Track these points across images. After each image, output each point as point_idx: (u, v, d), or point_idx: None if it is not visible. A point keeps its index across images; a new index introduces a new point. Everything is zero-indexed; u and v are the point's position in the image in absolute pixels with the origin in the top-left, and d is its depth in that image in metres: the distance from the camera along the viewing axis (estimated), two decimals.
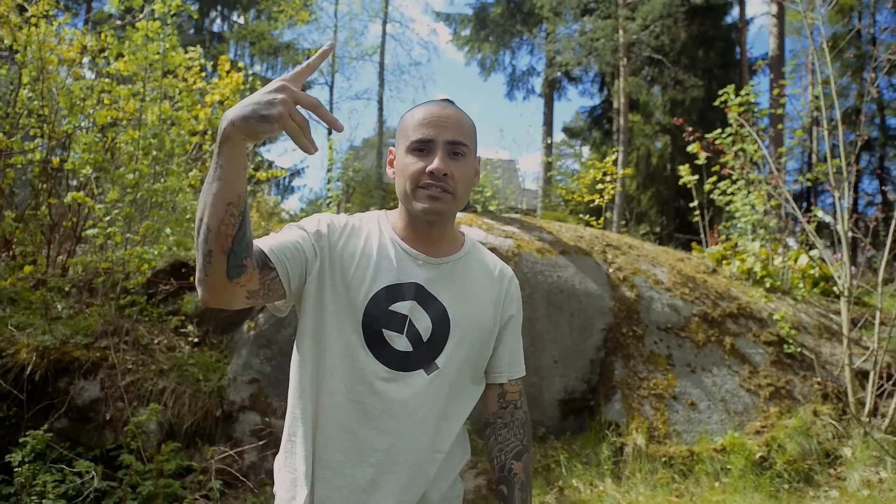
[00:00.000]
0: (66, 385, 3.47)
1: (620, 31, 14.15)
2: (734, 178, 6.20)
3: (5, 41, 5.50)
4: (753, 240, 6.15)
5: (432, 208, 1.17)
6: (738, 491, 3.70)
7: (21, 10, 5.53)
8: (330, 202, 7.98)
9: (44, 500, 2.88)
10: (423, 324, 1.18)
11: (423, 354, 1.18)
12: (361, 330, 1.16)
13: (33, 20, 4.93)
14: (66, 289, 4.14)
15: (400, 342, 1.17)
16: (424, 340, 1.18)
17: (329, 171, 8.98)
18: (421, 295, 1.20)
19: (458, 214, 5.22)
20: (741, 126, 5.90)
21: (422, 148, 1.18)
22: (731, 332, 4.77)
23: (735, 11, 16.60)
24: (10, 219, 4.13)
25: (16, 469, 2.89)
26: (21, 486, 2.89)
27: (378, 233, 1.25)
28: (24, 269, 3.50)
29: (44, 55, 4.90)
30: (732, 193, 6.32)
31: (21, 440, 2.94)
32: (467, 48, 19.07)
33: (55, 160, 4.20)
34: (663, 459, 3.93)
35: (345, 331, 1.16)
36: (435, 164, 1.16)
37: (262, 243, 1.11)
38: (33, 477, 2.91)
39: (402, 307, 1.18)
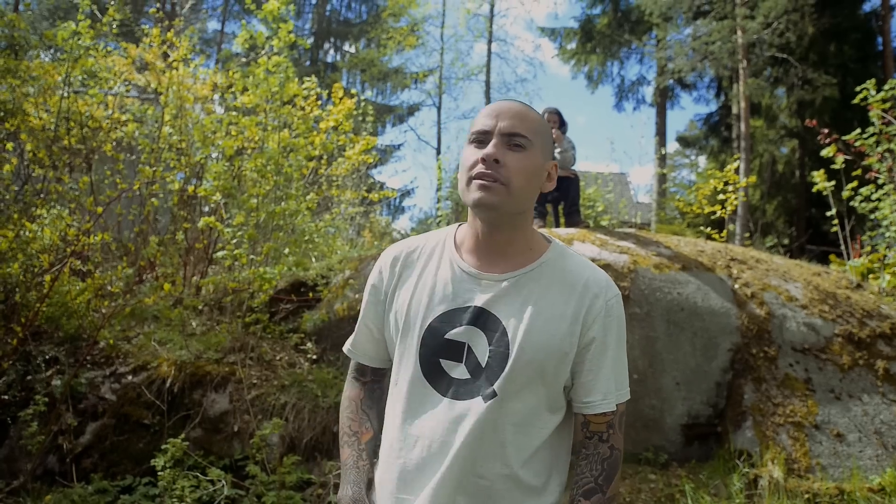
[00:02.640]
0: (200, 397, 3.73)
1: (739, 32, 13.31)
2: (880, 182, 5.56)
3: (152, 85, 6.14)
4: None
5: (482, 199, 1.11)
6: None
7: (164, 56, 6.17)
8: (440, 221, 8.10)
9: None
10: (482, 349, 1.13)
11: (482, 380, 1.12)
12: (418, 361, 1.14)
13: (174, 64, 5.46)
14: (200, 307, 4.48)
15: (457, 370, 1.13)
16: (483, 366, 1.12)
17: (438, 190, 9.16)
18: (480, 318, 1.14)
19: (570, 230, 5.09)
20: (887, 124, 5.30)
21: (480, 139, 1.15)
22: (884, 354, 4.24)
23: None
24: (154, 243, 4.56)
25: (160, 473, 3.13)
26: (164, 489, 3.13)
27: (439, 254, 1.22)
28: (164, 287, 3.84)
29: (182, 94, 5.41)
30: (878, 199, 5.67)
31: (163, 447, 3.19)
32: (573, 61, 18.79)
33: (190, 189, 4.58)
34: (806, 496, 3.54)
35: (406, 367, 1.16)
36: (486, 149, 1.12)
37: (360, 358, 1.31)
38: (173, 481, 3.14)
39: (458, 334, 1.14)
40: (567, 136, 5.73)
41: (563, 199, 5.74)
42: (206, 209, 6.18)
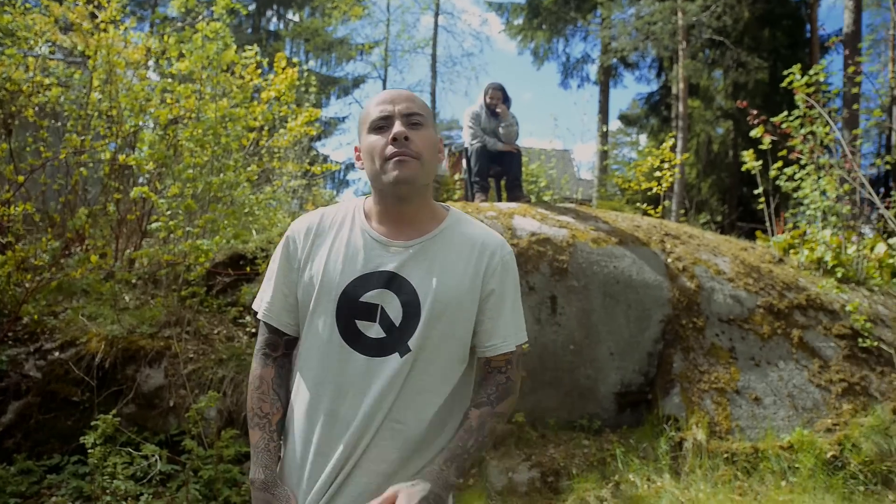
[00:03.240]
0: (133, 372, 3.63)
1: (679, 14, 13.63)
2: (803, 162, 5.86)
3: (78, 47, 5.78)
4: (824, 227, 5.82)
5: (401, 175, 1.20)
6: (808, 491, 3.52)
7: (92, 16, 5.81)
8: None
9: (115, 481, 3.03)
10: (395, 309, 1.21)
11: (397, 338, 1.21)
12: (336, 323, 1.22)
13: (102, 25, 5.16)
14: (133, 281, 4.33)
15: (372, 330, 1.21)
16: (397, 325, 1.21)
17: None
18: (392, 281, 1.22)
19: (511, 205, 5.16)
20: (810, 107, 5.57)
21: (381, 125, 1.24)
22: (800, 324, 4.53)
23: None
24: (83, 214, 4.35)
25: (90, 450, 3.04)
26: (94, 466, 3.05)
27: (350, 224, 1.30)
28: (92, 260, 3.68)
29: (112, 59, 5.13)
30: (801, 179, 5.98)
31: (93, 423, 3.10)
32: (520, 37, 18.80)
33: (122, 158, 4.39)
34: (725, 456, 3.78)
35: (323, 329, 1.23)
36: (395, 128, 1.21)
37: (279, 325, 1.32)
38: (105, 458, 3.06)
39: (372, 297, 1.22)
40: (511, 111, 5.78)
41: (506, 173, 5.81)
42: (141, 180, 5.93)
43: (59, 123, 5.39)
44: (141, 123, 4.92)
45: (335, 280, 1.23)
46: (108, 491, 3.04)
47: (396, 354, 1.20)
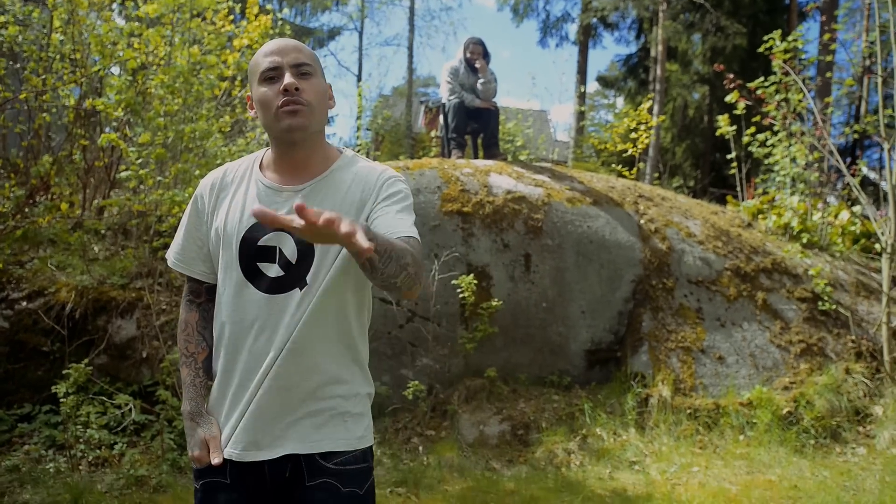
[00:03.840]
0: (105, 323, 3.59)
1: None
2: (775, 129, 5.94)
3: None
4: (792, 194, 5.95)
5: (293, 123, 1.28)
6: (763, 445, 3.70)
7: None
8: (359, 151, 7.94)
9: (88, 430, 3.03)
10: (290, 249, 1.30)
11: (295, 275, 1.30)
12: (239, 268, 1.32)
13: None
14: (102, 231, 4.23)
15: (272, 270, 1.31)
16: (293, 263, 1.30)
17: (358, 119, 8.90)
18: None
19: (488, 162, 5.15)
20: (786, 74, 5.61)
21: (271, 76, 1.30)
22: (764, 287, 4.68)
23: None
24: (47, 162, 4.20)
25: (62, 400, 3.03)
26: (67, 415, 3.04)
27: (248, 177, 1.39)
28: (61, 208, 3.58)
29: None
30: (773, 145, 6.07)
31: (64, 372, 3.07)
32: None
33: (88, 102, 4.22)
34: (688, 412, 3.93)
35: (231, 274, 1.33)
36: (285, 80, 1.28)
37: (195, 274, 1.42)
38: (77, 408, 3.05)
39: (268, 240, 1.31)
40: (490, 67, 5.70)
41: (483, 130, 5.76)
42: (108, 129, 5.72)
43: (18, 65, 5.15)
44: (107, 68, 4.73)
45: (235, 229, 1.33)
46: (81, 440, 3.04)
47: (297, 289, 1.29)
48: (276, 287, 1.30)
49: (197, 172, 4.10)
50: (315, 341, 1.30)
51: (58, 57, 4.89)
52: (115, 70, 4.80)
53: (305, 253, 1.30)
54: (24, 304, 3.62)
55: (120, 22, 5.71)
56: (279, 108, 1.28)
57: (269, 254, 1.31)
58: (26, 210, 4.06)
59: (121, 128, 4.73)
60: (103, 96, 4.76)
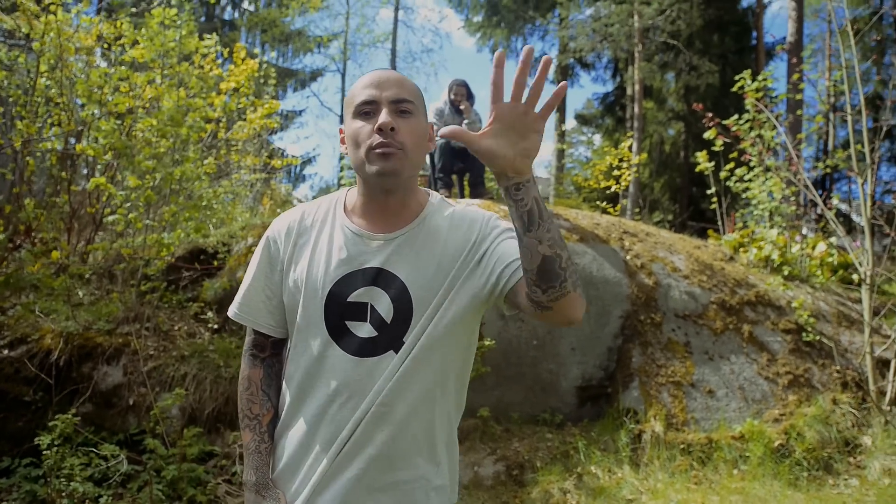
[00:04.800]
0: (90, 370, 3.51)
1: (636, 16, 13.96)
2: (752, 164, 6.12)
3: (23, 29, 5.51)
4: (771, 227, 6.09)
5: (385, 167, 1.14)
6: (758, 478, 3.69)
7: None
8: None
9: (72, 483, 2.93)
10: (384, 306, 1.17)
11: (389, 336, 1.16)
12: (325, 325, 1.17)
13: (51, 7, 4.94)
14: (87, 275, 4.18)
15: (363, 329, 1.16)
16: (388, 322, 1.16)
17: (341, 158, 8.98)
18: (379, 277, 1.18)
19: (475, 201, 5.21)
20: (759, 112, 5.82)
21: (367, 111, 1.16)
22: (750, 319, 4.74)
23: None
24: (31, 206, 4.16)
25: (44, 452, 2.93)
26: (49, 468, 2.94)
27: (331, 221, 1.24)
28: (51, 254, 3.53)
29: (62, 43, 4.91)
30: (750, 180, 6.24)
31: (50, 424, 2.98)
32: (479, 34, 18.87)
33: (77, 146, 4.21)
34: (681, 447, 3.93)
35: (313, 332, 1.19)
36: (381, 118, 1.14)
37: (261, 327, 1.29)
38: (61, 460, 2.95)
39: (359, 295, 1.17)
40: (475, 108, 5.82)
41: (469, 170, 5.85)
42: (87, 171, 5.69)
43: (2, 109, 5.14)
44: (93, 112, 4.74)
45: (320, 281, 1.19)
46: (64, 494, 2.93)
47: (391, 352, 1.16)
48: (367, 349, 1.16)
49: (185, 215, 4.09)
50: (404, 399, 1.17)
51: (42, 101, 4.90)
52: (98, 113, 4.81)
53: (403, 311, 1.16)
54: (6, 352, 3.53)
55: (103, 65, 5.76)
56: (371, 148, 1.14)
57: (360, 311, 1.17)
58: (9, 256, 4.00)
59: (106, 171, 4.72)
60: (88, 140, 4.76)
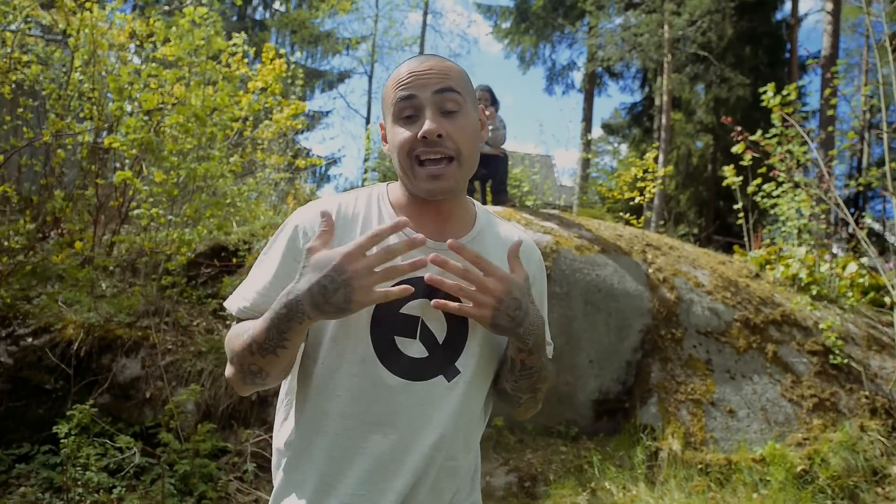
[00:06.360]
0: (109, 362, 3.55)
1: (666, 27, 13.83)
2: (780, 180, 5.98)
3: (59, 25, 5.63)
4: (799, 245, 5.95)
5: (437, 188, 0.99)
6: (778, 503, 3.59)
7: None
8: None
9: (87, 472, 2.96)
10: (437, 323, 1.02)
11: (441, 358, 1.02)
12: (370, 339, 1.00)
13: (87, 4, 5.04)
14: (111, 268, 4.23)
15: (413, 348, 1.01)
16: (440, 342, 1.02)
17: (366, 160, 9.02)
18: (434, 290, 1.00)
19: (497, 208, 5.17)
20: (787, 126, 5.68)
21: (408, 114, 1.01)
22: (774, 339, 4.63)
23: (787, 7, 16.07)
24: (60, 198, 4.23)
25: (62, 440, 2.96)
26: (66, 457, 2.97)
27: (377, 218, 1.06)
28: (74, 245, 3.58)
29: (96, 39, 5.00)
30: (778, 196, 6.10)
31: (69, 413, 3.02)
32: (507, 41, 18.87)
33: (106, 140, 4.28)
34: (699, 466, 3.84)
35: (351, 346, 1.00)
36: (425, 125, 0.97)
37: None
38: (78, 449, 2.98)
39: (412, 308, 1.01)
40: (499, 114, 5.79)
41: (492, 177, 5.82)
42: (117, 165, 5.78)
43: (37, 103, 5.25)
44: (122, 108, 4.82)
45: None
46: (79, 482, 2.96)
47: (442, 377, 1.01)
48: (416, 372, 1.00)
49: (208, 212, 4.12)
50: (465, 446, 1.05)
51: (76, 95, 4.99)
52: (129, 109, 4.88)
53: (458, 332, 1.02)
54: (30, 340, 3.59)
55: (135, 62, 5.86)
56: (419, 162, 1.00)
57: (410, 326, 1.01)
58: (36, 245, 4.07)
59: (133, 166, 4.79)
60: (117, 134, 4.84)
